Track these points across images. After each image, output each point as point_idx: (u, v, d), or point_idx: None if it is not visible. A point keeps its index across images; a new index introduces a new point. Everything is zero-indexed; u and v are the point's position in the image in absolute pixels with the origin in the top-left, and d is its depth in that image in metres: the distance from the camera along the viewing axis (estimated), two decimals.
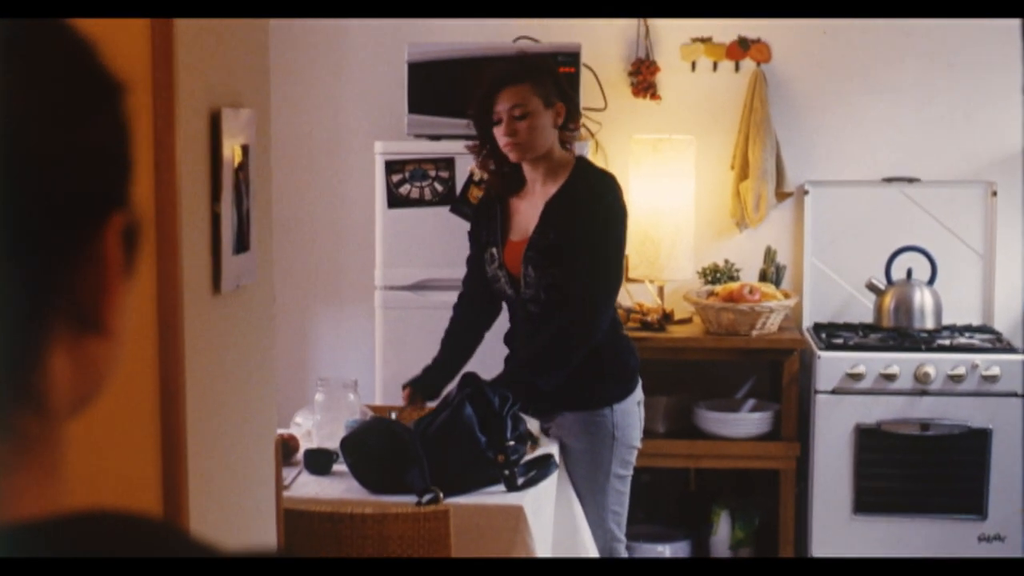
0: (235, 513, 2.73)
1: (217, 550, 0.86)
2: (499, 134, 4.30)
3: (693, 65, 5.89)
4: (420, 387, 4.56)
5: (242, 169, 2.72)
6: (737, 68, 5.86)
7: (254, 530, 2.86)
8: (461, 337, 4.69)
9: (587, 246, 4.26)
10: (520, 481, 4.01)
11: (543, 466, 4.12)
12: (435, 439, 4.03)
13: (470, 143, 4.53)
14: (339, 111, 6.01)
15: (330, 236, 6.09)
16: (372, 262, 5.49)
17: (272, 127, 5.94)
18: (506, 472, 3.99)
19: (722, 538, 5.60)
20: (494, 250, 4.44)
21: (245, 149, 2.73)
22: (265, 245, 2.95)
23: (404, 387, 4.58)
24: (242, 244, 2.72)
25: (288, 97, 5.98)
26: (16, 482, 0.84)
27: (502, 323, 4.66)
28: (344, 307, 6.10)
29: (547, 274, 4.30)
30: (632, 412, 4.45)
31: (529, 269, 4.32)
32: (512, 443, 4.05)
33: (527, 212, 4.41)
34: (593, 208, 4.28)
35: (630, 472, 4.48)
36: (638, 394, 4.47)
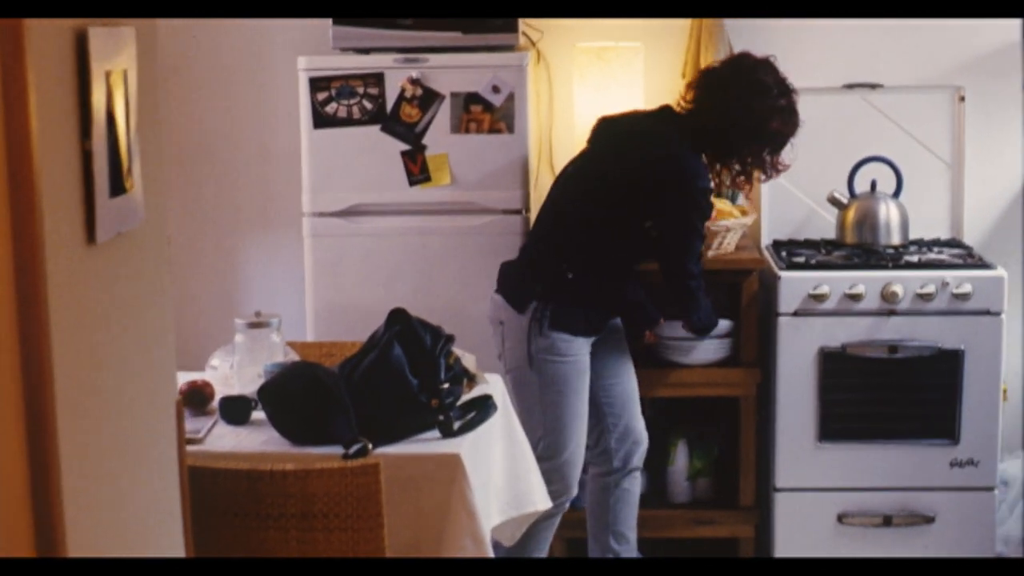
0: (127, 487, 2.39)
1: None
2: (777, 164, 4.63)
3: None
4: None
5: (121, 97, 2.36)
6: None
7: (153, 501, 2.54)
8: None
9: None
10: (457, 425, 3.69)
11: (481, 407, 3.80)
12: (362, 383, 3.71)
13: (728, 167, 4.62)
14: (258, 25, 5.61)
15: (254, 160, 5.71)
16: (299, 187, 5.13)
17: (187, 44, 5.59)
18: (440, 417, 3.67)
19: (680, 468, 5.31)
20: None
21: (124, 74, 2.36)
22: (155, 182, 2.59)
23: None
24: (123, 185, 2.36)
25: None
26: None
27: None
28: (272, 236, 5.74)
29: None
30: None
31: None
32: (446, 385, 3.72)
33: None
34: None
35: None
36: None
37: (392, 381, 3.70)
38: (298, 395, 3.66)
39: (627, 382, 4.76)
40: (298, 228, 5.17)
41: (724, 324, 5.03)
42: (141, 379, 2.49)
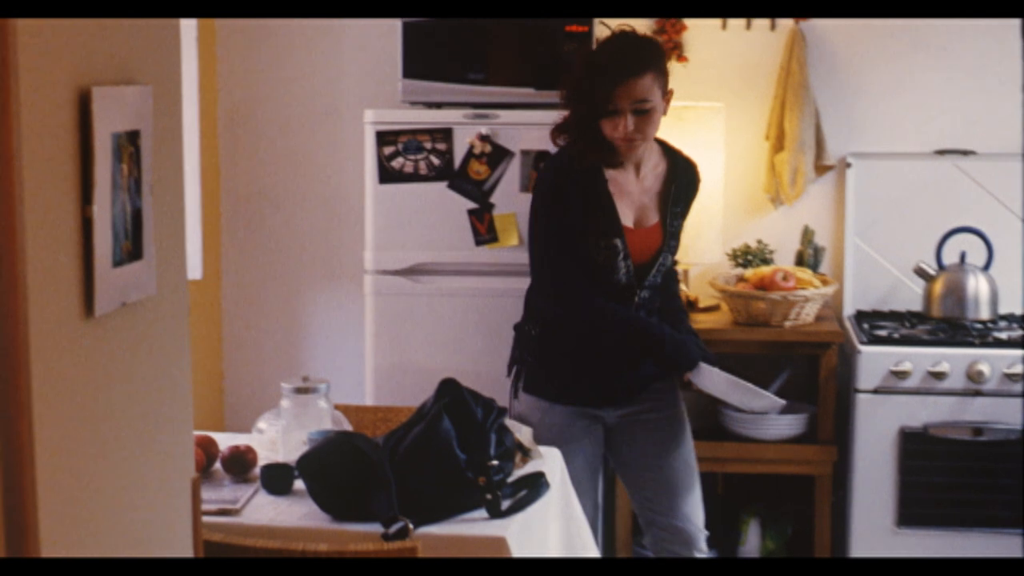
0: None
1: None
2: (614, 126, 3.95)
3: (724, 23, 5.33)
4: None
5: (131, 160, 2.21)
6: (773, 26, 5.31)
7: None
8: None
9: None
10: (505, 505, 3.49)
11: (534, 485, 3.60)
12: (407, 457, 3.52)
13: (557, 121, 4.08)
14: (328, 76, 5.49)
15: (320, 215, 5.59)
16: (363, 243, 4.99)
17: (256, 93, 5.47)
18: (488, 496, 3.46)
19: (751, 548, 5.09)
20: (617, 241, 4.03)
21: (137, 135, 2.22)
22: (173, 249, 2.44)
23: None
24: (132, 252, 2.21)
25: (270, 59, 5.48)
26: None
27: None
28: (335, 292, 5.61)
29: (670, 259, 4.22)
30: None
31: (668, 257, 4.17)
32: (496, 462, 3.52)
33: (636, 196, 4.11)
34: (696, 187, 4.27)
35: None
36: None
37: (439, 456, 3.51)
38: (338, 467, 3.48)
39: (670, 472, 4.26)
40: (361, 285, 5.02)
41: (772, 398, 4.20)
42: (150, 457, 2.34)
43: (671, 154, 4.20)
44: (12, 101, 1.83)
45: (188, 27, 5.08)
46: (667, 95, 4.02)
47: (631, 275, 4.08)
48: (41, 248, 1.91)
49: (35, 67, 1.88)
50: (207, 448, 3.80)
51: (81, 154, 2.04)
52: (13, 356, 1.85)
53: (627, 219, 4.08)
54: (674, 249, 4.18)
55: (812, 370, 4.95)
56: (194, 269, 5.16)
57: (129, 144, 2.19)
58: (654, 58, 3.98)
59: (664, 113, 4.02)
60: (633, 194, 4.10)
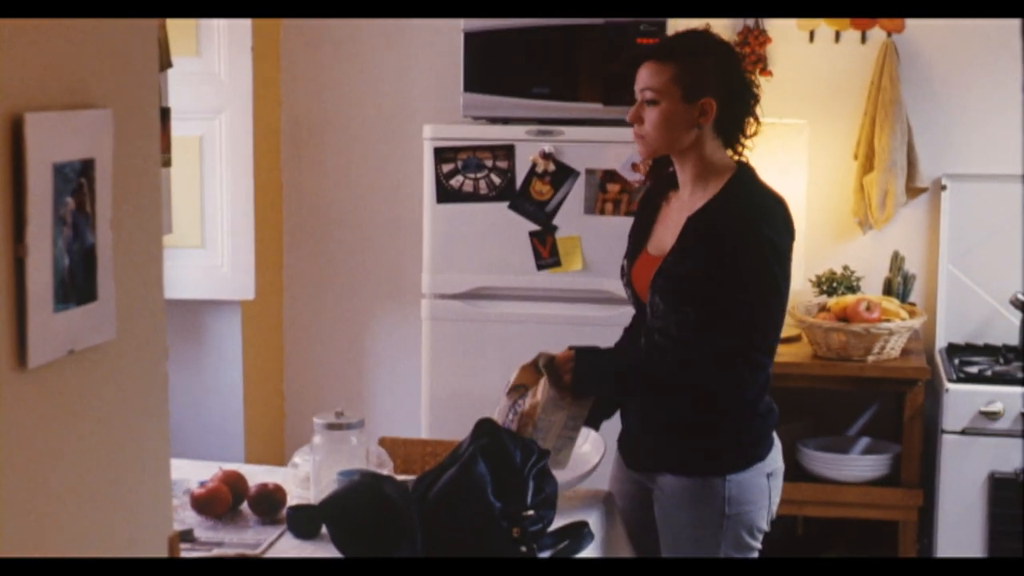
0: None
1: None
2: None
3: (811, 35, 5.06)
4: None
5: (83, 192, 1.99)
6: (863, 39, 5.02)
7: None
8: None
9: (714, 289, 3.28)
10: (544, 557, 3.23)
11: (576, 536, 3.33)
12: (437, 504, 3.26)
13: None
14: (392, 90, 5.29)
15: (382, 234, 5.39)
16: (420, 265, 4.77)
17: (317, 109, 5.27)
18: (523, 548, 3.20)
19: None
20: (624, 263, 3.55)
21: (89, 164, 2.00)
22: (144, 287, 2.21)
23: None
24: (84, 293, 1.99)
25: (333, 73, 5.29)
26: None
27: None
28: (397, 315, 5.39)
29: (680, 310, 3.33)
30: (755, 487, 3.39)
31: (657, 299, 3.39)
32: (531, 512, 3.26)
33: (671, 224, 3.45)
34: (732, 241, 3.28)
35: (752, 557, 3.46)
36: (770, 464, 3.42)
37: (471, 503, 3.25)
38: (361, 512, 3.24)
39: None
40: (419, 309, 4.80)
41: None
42: (112, 515, 2.12)
43: (725, 194, 3.36)
44: None
45: (243, 39, 4.87)
46: (697, 102, 3.32)
47: (637, 306, 3.58)
48: None
49: None
50: (235, 485, 3.58)
51: (13, 188, 1.83)
52: None
53: (652, 244, 3.50)
54: (669, 293, 3.37)
55: (896, 409, 4.64)
56: (247, 289, 4.96)
57: (80, 175, 1.97)
58: (688, 51, 3.37)
59: (694, 125, 3.32)
60: (669, 219, 3.48)
